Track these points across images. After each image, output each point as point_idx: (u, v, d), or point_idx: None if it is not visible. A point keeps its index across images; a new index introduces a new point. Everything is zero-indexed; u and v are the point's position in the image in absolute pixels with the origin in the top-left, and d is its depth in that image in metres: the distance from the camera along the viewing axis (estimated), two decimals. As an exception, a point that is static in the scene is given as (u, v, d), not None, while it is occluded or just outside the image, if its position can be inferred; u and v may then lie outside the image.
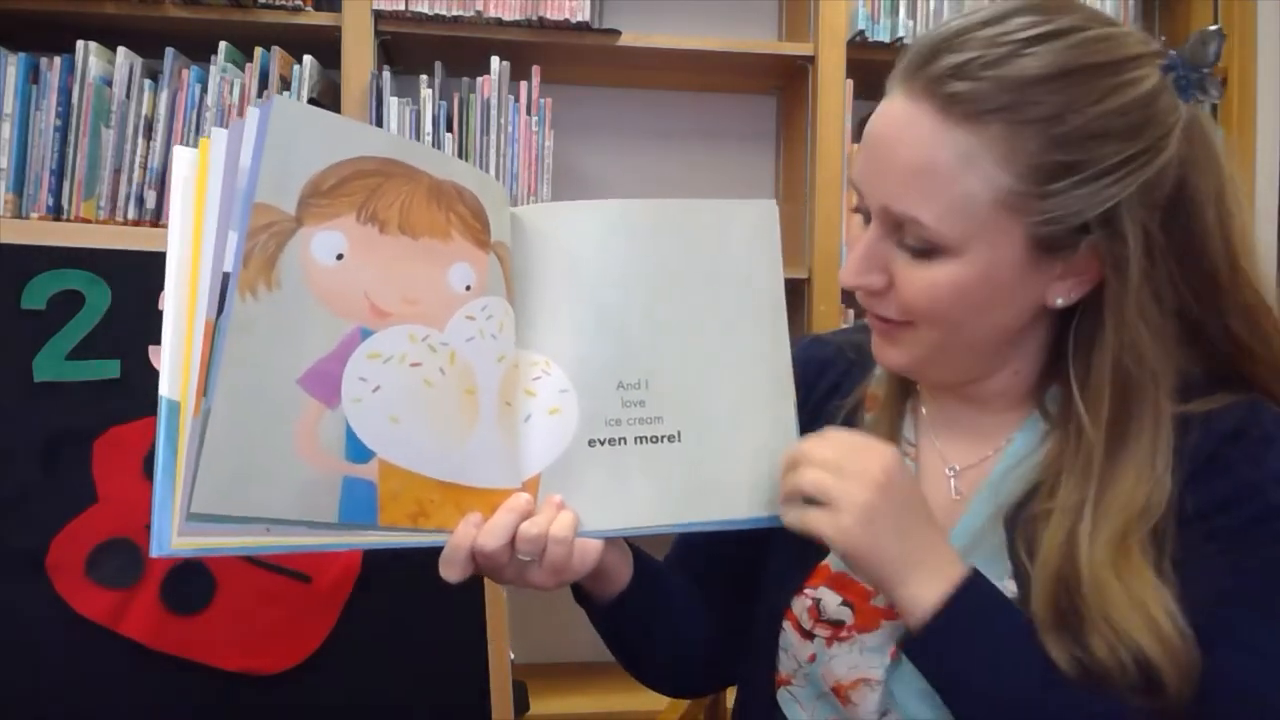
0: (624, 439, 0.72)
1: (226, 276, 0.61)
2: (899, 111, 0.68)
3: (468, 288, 0.69)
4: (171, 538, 0.59)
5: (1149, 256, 0.67)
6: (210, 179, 0.64)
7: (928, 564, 0.68)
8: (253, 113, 0.62)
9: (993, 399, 0.78)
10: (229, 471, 0.59)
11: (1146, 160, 0.66)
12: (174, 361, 0.62)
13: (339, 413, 0.63)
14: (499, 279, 0.71)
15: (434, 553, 0.67)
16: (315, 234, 0.63)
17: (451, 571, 0.67)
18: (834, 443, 0.69)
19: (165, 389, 0.61)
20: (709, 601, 0.87)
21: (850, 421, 0.82)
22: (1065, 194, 0.65)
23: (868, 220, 0.72)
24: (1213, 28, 0.70)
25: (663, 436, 0.72)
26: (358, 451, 0.64)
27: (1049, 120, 0.64)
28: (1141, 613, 0.64)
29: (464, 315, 0.68)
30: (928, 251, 0.68)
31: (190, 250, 0.64)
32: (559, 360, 0.71)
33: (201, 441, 0.58)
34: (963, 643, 0.67)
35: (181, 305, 0.63)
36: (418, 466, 0.66)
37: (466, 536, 0.66)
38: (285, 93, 1.76)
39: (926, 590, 0.67)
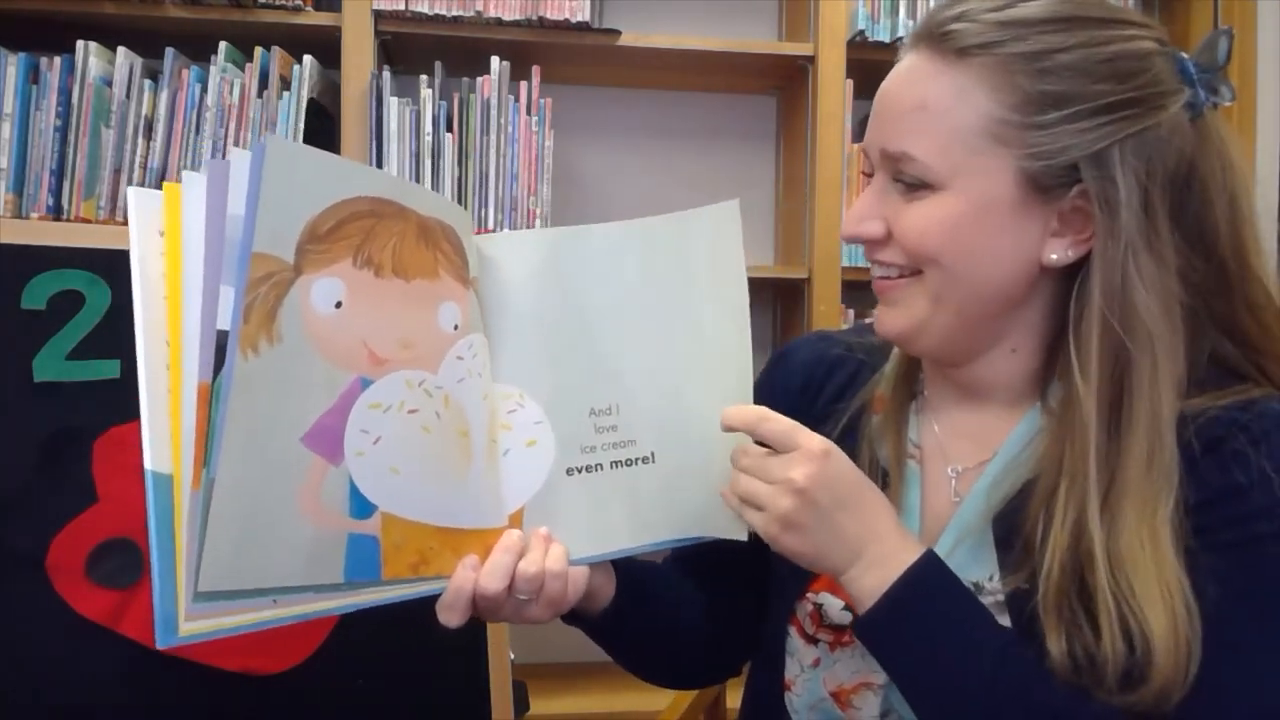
0: (600, 465, 0.72)
1: (222, 334, 0.57)
2: (902, 66, 0.73)
3: (455, 327, 0.67)
4: (179, 624, 0.55)
5: (1147, 215, 0.68)
6: (187, 228, 0.60)
7: (866, 555, 0.68)
8: (239, 155, 0.58)
9: (994, 390, 0.77)
10: (235, 543, 0.57)
11: (1139, 112, 0.68)
12: (157, 432, 0.58)
13: (342, 469, 0.61)
14: (477, 315, 0.69)
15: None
16: (314, 282, 0.60)
17: (452, 616, 0.66)
18: (755, 450, 0.70)
19: (150, 462, 0.57)
20: (709, 596, 0.88)
21: (856, 423, 0.82)
22: (1054, 128, 0.67)
23: (866, 183, 0.75)
24: (1222, 28, 0.72)
25: (637, 459, 0.72)
26: (361, 507, 0.62)
27: (1038, 55, 0.68)
28: (1163, 590, 0.63)
29: (454, 356, 0.67)
30: (921, 188, 0.70)
31: (162, 308, 0.59)
32: (531, 392, 0.71)
33: (205, 514, 0.55)
34: (904, 630, 0.68)
35: (158, 369, 0.58)
36: (418, 515, 0.65)
37: (467, 580, 0.66)
38: (285, 93, 1.76)
39: (868, 579, 0.68)
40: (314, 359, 0.60)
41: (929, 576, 0.68)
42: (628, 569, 0.80)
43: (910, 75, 0.71)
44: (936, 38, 0.70)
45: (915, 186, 0.70)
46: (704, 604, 0.88)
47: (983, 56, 0.68)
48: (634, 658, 0.87)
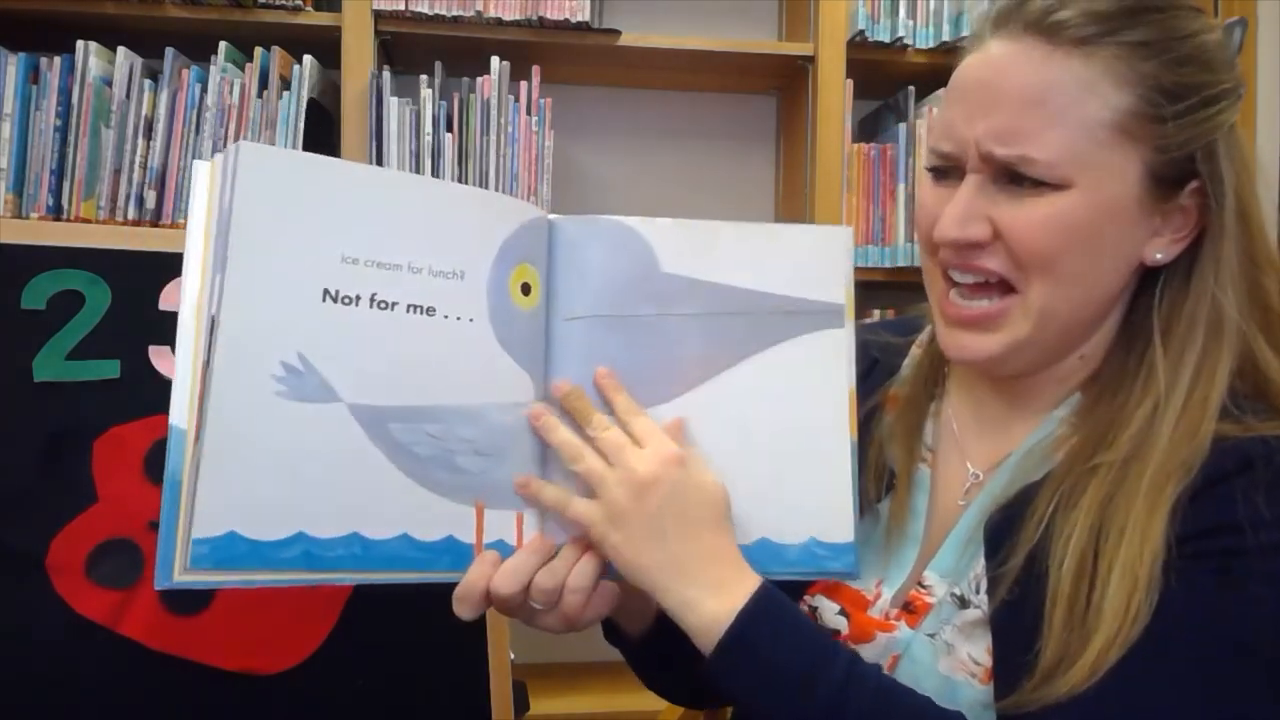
0: None
1: (214, 320, 0.59)
2: (1000, 53, 0.66)
3: None
4: (174, 573, 0.57)
5: (1239, 208, 0.67)
6: (210, 208, 0.62)
7: (699, 571, 0.65)
8: (232, 148, 0.61)
9: (1040, 395, 0.74)
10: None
11: (1231, 103, 0.67)
12: (180, 389, 0.60)
13: None
14: None
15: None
16: None
17: (465, 609, 0.65)
18: (610, 438, 0.66)
19: (175, 417, 0.59)
20: None
21: (868, 423, 0.79)
22: (1180, 119, 0.65)
23: (939, 178, 0.70)
24: (1236, 18, 0.71)
25: None
26: None
27: (1159, 43, 0.65)
28: (1137, 560, 0.61)
29: None
30: (1041, 187, 0.65)
31: (199, 278, 0.61)
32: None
33: (194, 493, 0.58)
34: (753, 671, 0.64)
35: (188, 334, 0.61)
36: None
37: (482, 576, 0.64)
38: (285, 93, 1.76)
39: (704, 606, 0.64)
40: None
41: (770, 609, 0.65)
42: None
43: (1020, 65, 0.65)
44: (1043, 26, 0.65)
45: (1031, 185, 0.65)
46: None
47: (1104, 46, 0.64)
48: (663, 679, 0.86)
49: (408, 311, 0.64)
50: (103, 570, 0.84)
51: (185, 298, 0.61)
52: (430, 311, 0.65)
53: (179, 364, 0.60)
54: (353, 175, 0.65)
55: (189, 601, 0.85)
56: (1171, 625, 0.60)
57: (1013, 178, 0.66)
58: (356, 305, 0.63)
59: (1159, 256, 0.68)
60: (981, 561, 0.69)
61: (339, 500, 0.62)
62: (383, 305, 0.64)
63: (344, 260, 0.63)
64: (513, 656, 0.95)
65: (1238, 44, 0.70)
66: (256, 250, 0.61)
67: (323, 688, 0.88)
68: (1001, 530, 0.68)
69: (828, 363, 0.72)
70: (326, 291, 0.62)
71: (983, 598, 0.68)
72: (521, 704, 0.97)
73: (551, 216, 0.72)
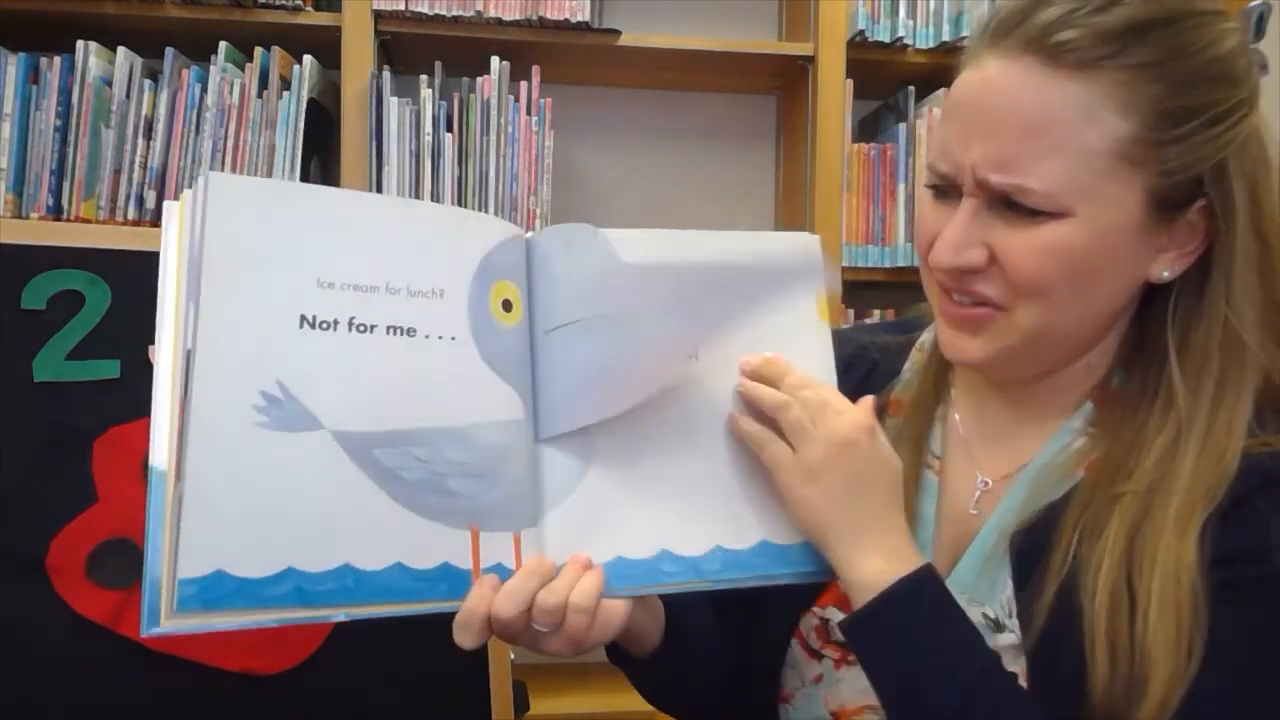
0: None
1: (190, 354, 0.57)
2: (998, 73, 0.64)
3: None
4: (161, 618, 0.56)
5: (1252, 223, 0.65)
6: (182, 245, 0.61)
7: (868, 540, 0.65)
8: (201, 180, 0.59)
9: (1046, 401, 0.73)
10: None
11: (1245, 114, 0.65)
12: (159, 430, 0.58)
13: None
14: None
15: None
16: None
17: (467, 638, 0.63)
18: (812, 395, 0.67)
19: (152, 457, 0.57)
20: (726, 623, 0.83)
21: None
22: (1185, 141, 0.63)
23: (939, 195, 0.69)
24: (1256, 3, 0.69)
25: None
26: None
27: (1165, 63, 0.62)
28: (1177, 593, 0.60)
29: None
30: (1038, 215, 0.63)
31: (173, 317, 0.60)
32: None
33: (178, 532, 0.56)
34: (896, 634, 0.64)
35: (166, 369, 0.59)
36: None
37: (483, 600, 0.62)
38: (285, 93, 1.76)
39: (870, 563, 0.65)
40: None
41: (928, 588, 0.65)
42: (672, 611, 0.76)
43: (1018, 88, 0.63)
44: (1044, 46, 0.62)
45: (1028, 212, 0.64)
46: (723, 628, 0.83)
47: (1106, 69, 0.62)
48: (668, 699, 0.85)
49: (388, 333, 0.63)
50: (103, 570, 0.84)
51: (162, 339, 0.59)
52: (411, 332, 0.63)
53: (157, 405, 0.58)
54: (323, 199, 0.64)
55: (189, 601, 0.85)
56: (1229, 660, 0.60)
57: (1009, 204, 0.64)
58: (335, 330, 0.61)
59: (1165, 275, 0.67)
60: (1010, 586, 0.68)
61: (327, 532, 0.60)
62: (362, 328, 0.62)
63: (320, 285, 0.61)
64: (513, 656, 0.95)
65: (1256, 29, 0.68)
66: (229, 280, 0.59)
67: (323, 688, 0.88)
68: (1028, 556, 0.67)
69: (806, 360, 0.72)
70: (303, 317, 0.60)
71: (1015, 623, 0.68)
72: (521, 704, 0.97)
73: (529, 235, 0.70)
